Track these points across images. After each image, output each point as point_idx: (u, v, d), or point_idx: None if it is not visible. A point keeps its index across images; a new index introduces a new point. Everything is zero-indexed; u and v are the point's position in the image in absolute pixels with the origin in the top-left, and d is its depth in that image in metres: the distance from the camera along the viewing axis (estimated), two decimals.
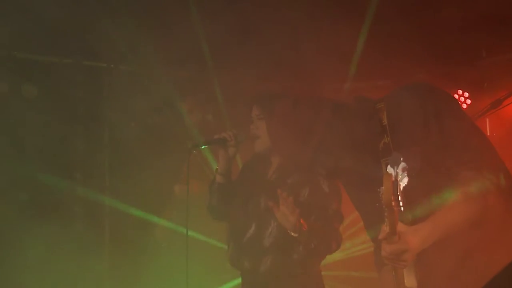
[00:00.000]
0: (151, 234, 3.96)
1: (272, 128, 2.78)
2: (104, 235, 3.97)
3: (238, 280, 2.97)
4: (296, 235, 2.62)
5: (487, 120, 4.03)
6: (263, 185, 2.88)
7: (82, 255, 3.74)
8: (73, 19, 3.29)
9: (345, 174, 2.28)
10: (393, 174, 1.85)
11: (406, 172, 1.85)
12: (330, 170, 2.37)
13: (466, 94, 4.11)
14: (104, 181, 4.04)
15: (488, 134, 3.99)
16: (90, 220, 3.96)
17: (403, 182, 1.87)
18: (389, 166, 1.87)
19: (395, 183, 1.85)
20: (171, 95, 3.92)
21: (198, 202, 3.09)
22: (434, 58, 3.60)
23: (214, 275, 3.66)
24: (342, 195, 2.82)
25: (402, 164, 1.85)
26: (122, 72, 4.08)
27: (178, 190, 3.86)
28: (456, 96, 4.14)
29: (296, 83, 3.57)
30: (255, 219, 2.80)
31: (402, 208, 1.91)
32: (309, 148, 2.18)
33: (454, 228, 1.98)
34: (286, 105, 2.32)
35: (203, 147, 3.08)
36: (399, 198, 1.86)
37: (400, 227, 1.90)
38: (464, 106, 4.07)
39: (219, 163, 2.91)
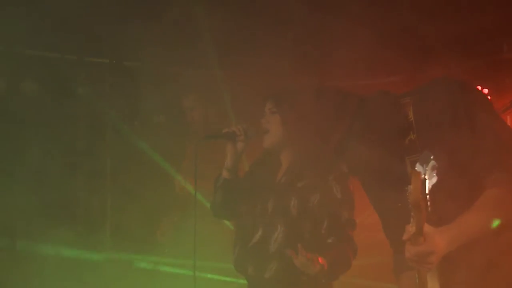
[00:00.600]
0: (155, 233, 3.90)
1: (287, 121, 2.72)
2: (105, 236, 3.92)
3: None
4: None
5: (508, 117, 3.97)
6: (271, 188, 2.81)
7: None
8: (72, 13, 3.27)
9: (367, 171, 2.20)
10: (422, 172, 1.79)
11: (435, 171, 1.79)
12: (352, 167, 2.27)
13: (486, 91, 4.04)
14: (105, 180, 4.00)
15: None
16: (91, 220, 3.94)
17: (432, 181, 1.81)
18: (417, 164, 1.80)
19: (424, 181, 1.79)
20: (176, 92, 3.87)
21: (207, 200, 3.05)
22: (451, 52, 3.53)
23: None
24: (355, 200, 2.77)
25: (432, 163, 1.78)
26: (125, 69, 4.05)
27: (182, 189, 3.74)
28: None
29: (313, 79, 3.50)
30: (262, 223, 2.75)
31: (429, 208, 1.84)
32: (329, 142, 2.13)
33: (482, 231, 1.93)
34: (305, 99, 2.27)
35: (210, 140, 2.98)
36: (427, 198, 1.81)
37: (427, 228, 1.85)
38: None
39: (227, 158, 2.84)
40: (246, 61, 3.78)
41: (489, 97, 4.03)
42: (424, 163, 1.80)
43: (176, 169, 3.88)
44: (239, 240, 2.83)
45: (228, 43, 3.64)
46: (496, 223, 1.93)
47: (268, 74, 3.76)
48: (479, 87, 4.14)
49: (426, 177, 1.79)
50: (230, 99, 3.85)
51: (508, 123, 4.09)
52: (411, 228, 1.87)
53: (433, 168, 1.80)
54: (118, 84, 4.06)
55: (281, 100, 2.76)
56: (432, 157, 1.78)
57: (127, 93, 4.10)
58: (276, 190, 2.79)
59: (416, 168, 1.79)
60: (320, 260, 2.53)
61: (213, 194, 2.92)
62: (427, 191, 1.81)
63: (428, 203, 1.84)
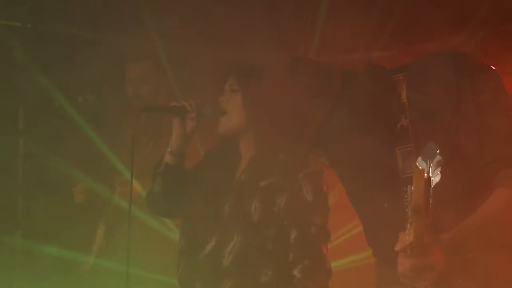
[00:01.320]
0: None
1: (251, 102, 2.50)
2: None
3: None
4: None
5: None
6: (229, 187, 2.59)
7: None
8: None
9: (349, 164, 2.03)
10: (426, 169, 1.57)
11: (440, 167, 1.58)
12: (332, 158, 2.08)
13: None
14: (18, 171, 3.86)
15: None
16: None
17: (436, 180, 1.60)
18: (420, 159, 1.58)
19: (428, 181, 1.58)
20: (112, 63, 3.63)
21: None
22: (455, 20, 3.23)
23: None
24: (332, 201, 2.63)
25: (438, 158, 1.57)
26: (42, 35, 3.87)
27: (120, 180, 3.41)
28: None
29: (288, 53, 3.21)
30: (216, 230, 2.53)
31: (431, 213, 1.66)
32: (305, 128, 1.94)
33: (489, 241, 1.78)
34: (276, 74, 2.12)
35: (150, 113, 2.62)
36: (430, 201, 1.60)
37: (427, 237, 1.67)
38: None
39: (172, 139, 2.60)
40: (205, 29, 3.63)
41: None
42: (428, 157, 1.59)
43: (113, 155, 3.63)
44: (186, 250, 2.61)
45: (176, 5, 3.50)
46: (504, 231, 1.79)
47: (232, 46, 3.56)
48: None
49: (430, 175, 1.58)
50: (181, 74, 3.67)
51: None
52: (407, 237, 1.70)
53: (438, 164, 1.59)
54: (33, 53, 3.82)
55: (246, 76, 2.56)
56: (438, 150, 1.57)
57: (45, 64, 3.84)
58: (234, 189, 2.58)
59: (418, 164, 1.58)
60: None
61: (151, 184, 2.69)
62: (430, 193, 1.60)
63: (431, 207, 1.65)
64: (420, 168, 1.58)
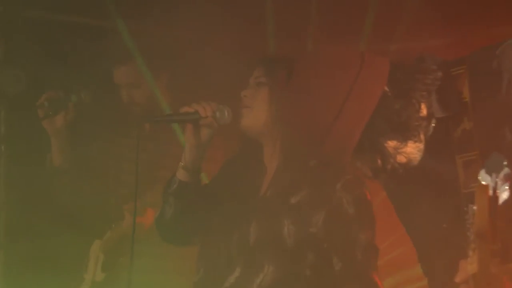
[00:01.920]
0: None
1: (280, 97, 2.48)
2: None
3: None
4: None
5: None
6: (252, 205, 2.57)
7: None
8: None
9: (398, 174, 2.09)
10: (491, 185, 1.58)
11: (508, 182, 1.59)
12: (376, 167, 2.14)
13: None
14: None
15: None
16: None
17: (503, 197, 1.61)
18: (483, 172, 1.60)
19: (494, 199, 1.59)
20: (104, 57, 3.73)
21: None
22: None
23: None
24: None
25: (505, 171, 1.59)
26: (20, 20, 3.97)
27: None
28: None
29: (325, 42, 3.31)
30: (240, 259, 2.50)
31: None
32: (345, 131, 2.00)
33: None
34: (312, 66, 2.16)
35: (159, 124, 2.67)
36: (497, 224, 1.62)
37: (494, 267, 1.67)
38: None
39: (185, 152, 2.60)
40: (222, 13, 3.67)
41: None
42: (494, 170, 1.60)
43: (114, 170, 3.71)
44: (203, 283, 2.60)
45: None
46: None
47: (256, 34, 3.60)
48: None
49: (497, 192, 1.60)
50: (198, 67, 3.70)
51: None
52: (469, 266, 1.76)
53: (506, 179, 1.61)
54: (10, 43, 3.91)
55: (275, 67, 2.55)
56: (505, 162, 1.59)
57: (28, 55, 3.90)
58: (259, 208, 2.56)
59: (481, 178, 1.61)
60: None
61: (161, 207, 2.69)
62: (497, 214, 1.62)
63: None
64: (484, 183, 1.59)
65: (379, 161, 2.08)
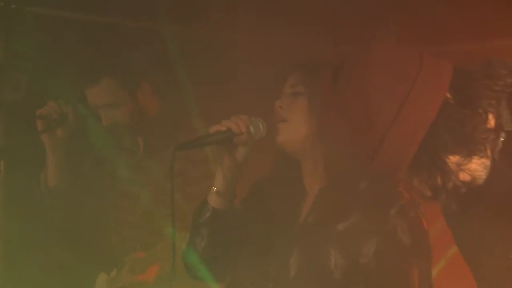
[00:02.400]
0: None
1: (318, 108, 2.54)
2: None
3: None
4: None
5: None
6: (292, 234, 2.59)
7: None
8: None
9: (458, 195, 2.07)
10: None
11: None
12: (436, 185, 2.09)
13: None
14: None
15: None
16: None
17: None
18: None
19: None
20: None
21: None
22: None
23: None
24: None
25: None
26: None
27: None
28: None
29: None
30: None
31: None
32: (398, 146, 2.01)
33: None
34: (356, 71, 2.15)
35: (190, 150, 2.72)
36: None
37: None
38: None
39: (217, 175, 2.62)
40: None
41: None
42: None
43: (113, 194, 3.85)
44: None
45: None
46: None
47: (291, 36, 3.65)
48: None
49: None
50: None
51: None
52: None
53: None
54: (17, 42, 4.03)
55: (315, 74, 2.58)
56: None
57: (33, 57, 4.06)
58: (300, 237, 2.58)
59: None
60: None
61: (189, 238, 2.71)
62: None
63: None
64: None
65: (439, 179, 2.09)
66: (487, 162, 2.08)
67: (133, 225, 3.67)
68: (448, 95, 2.02)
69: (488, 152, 2.07)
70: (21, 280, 4.09)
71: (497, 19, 3.50)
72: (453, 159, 2.06)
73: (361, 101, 2.16)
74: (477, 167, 2.08)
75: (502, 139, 2.04)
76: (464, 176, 2.09)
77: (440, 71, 2.04)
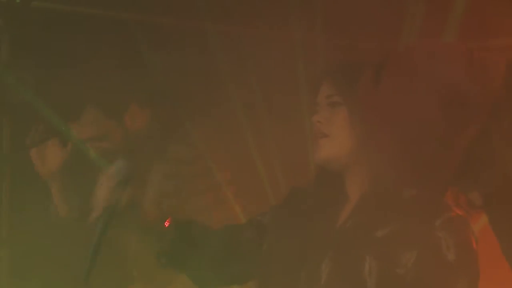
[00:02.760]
0: None
1: (360, 117, 2.55)
2: None
3: None
4: None
5: None
6: (327, 238, 2.63)
7: None
8: None
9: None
10: None
11: None
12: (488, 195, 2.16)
13: None
14: None
15: None
16: None
17: None
18: None
19: None
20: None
21: None
22: None
23: None
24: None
25: None
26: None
27: None
28: None
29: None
30: None
31: None
32: (445, 151, 2.09)
33: None
34: (394, 73, 2.23)
35: None
36: None
37: None
38: None
39: None
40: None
41: None
42: None
43: None
44: None
45: None
46: None
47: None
48: None
49: None
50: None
51: None
52: None
53: None
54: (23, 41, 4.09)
55: (349, 80, 2.59)
56: None
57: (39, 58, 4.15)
58: (336, 241, 2.60)
59: None
60: None
61: None
62: None
63: None
64: None
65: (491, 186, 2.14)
66: None
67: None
68: (500, 93, 2.09)
69: None
70: None
71: None
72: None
73: (407, 102, 2.22)
74: None
75: None
76: None
77: (492, 67, 2.10)
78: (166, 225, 2.85)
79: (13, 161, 4.29)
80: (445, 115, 2.08)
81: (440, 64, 2.12)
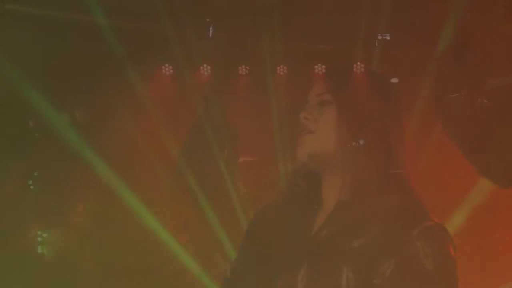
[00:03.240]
0: None
1: (348, 118, 2.57)
2: None
3: None
4: None
5: None
6: (302, 247, 2.60)
7: None
8: None
9: None
10: None
11: None
12: None
13: None
14: None
15: None
16: None
17: None
18: None
19: None
20: None
21: None
22: None
23: None
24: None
25: None
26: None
27: None
28: None
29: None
30: None
31: None
32: None
33: None
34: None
35: None
36: None
37: None
38: None
39: None
40: None
41: None
42: None
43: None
44: None
45: None
46: None
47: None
48: None
49: None
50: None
51: None
52: None
53: None
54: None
55: (342, 81, 2.64)
56: None
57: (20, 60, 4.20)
58: (311, 251, 2.58)
59: None
60: None
61: None
62: None
63: None
64: None
65: None
66: None
67: None
68: None
69: None
70: None
71: None
72: None
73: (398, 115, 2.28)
74: None
75: None
76: None
77: None
78: None
79: None
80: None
81: None
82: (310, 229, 2.64)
